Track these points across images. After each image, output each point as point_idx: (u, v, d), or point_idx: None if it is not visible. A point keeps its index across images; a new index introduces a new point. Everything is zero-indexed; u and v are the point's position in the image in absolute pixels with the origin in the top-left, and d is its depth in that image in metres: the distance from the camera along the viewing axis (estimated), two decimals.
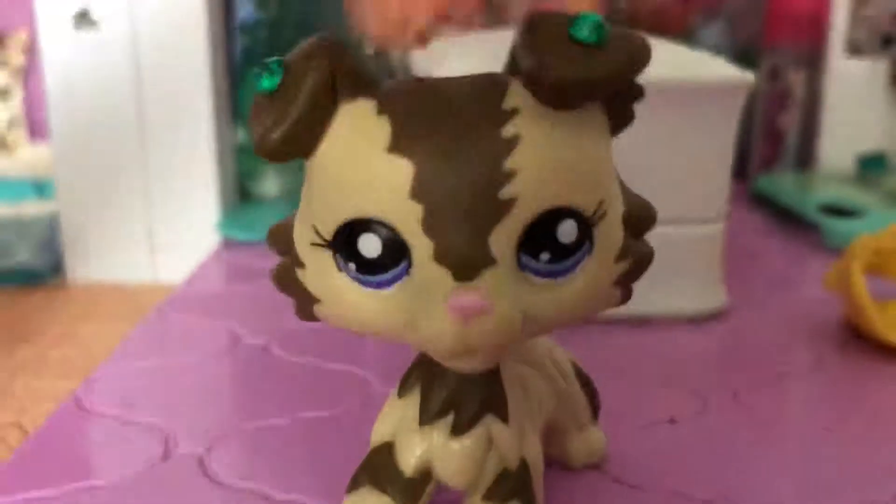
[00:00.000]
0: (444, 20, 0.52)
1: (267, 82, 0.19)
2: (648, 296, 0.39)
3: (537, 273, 0.19)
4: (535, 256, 0.19)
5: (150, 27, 0.54)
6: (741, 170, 0.65)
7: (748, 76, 0.38)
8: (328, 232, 0.19)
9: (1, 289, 0.58)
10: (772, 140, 0.64)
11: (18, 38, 0.79)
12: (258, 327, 0.39)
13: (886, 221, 0.48)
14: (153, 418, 0.31)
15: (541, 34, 0.18)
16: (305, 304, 0.21)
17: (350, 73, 0.19)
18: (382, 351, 0.37)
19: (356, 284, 0.19)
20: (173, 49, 0.54)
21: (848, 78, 0.63)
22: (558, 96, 0.19)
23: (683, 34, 0.60)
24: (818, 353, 0.38)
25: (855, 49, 0.63)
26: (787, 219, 0.57)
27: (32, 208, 0.74)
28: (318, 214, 0.20)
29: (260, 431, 0.30)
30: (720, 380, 0.35)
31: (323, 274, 0.20)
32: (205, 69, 0.53)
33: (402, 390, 0.22)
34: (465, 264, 0.18)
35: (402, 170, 0.18)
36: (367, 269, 0.19)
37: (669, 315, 0.40)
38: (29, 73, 0.78)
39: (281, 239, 0.21)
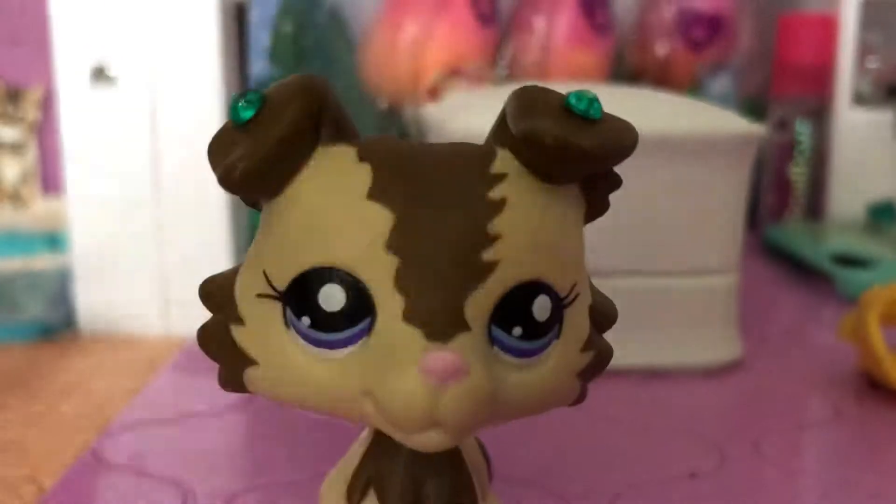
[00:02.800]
0: (456, 75, 0.53)
1: (243, 112, 0.18)
2: (664, 347, 0.39)
3: (506, 349, 0.18)
4: (507, 330, 0.17)
5: (167, 82, 0.55)
6: (752, 220, 0.65)
7: (758, 128, 0.39)
8: (283, 280, 0.17)
9: (13, 342, 0.58)
10: (781, 190, 0.64)
11: (35, 94, 0.81)
12: None
13: None
14: (171, 473, 0.31)
15: (536, 104, 0.18)
16: (236, 368, 0.18)
17: (333, 115, 0.18)
18: None
19: (305, 344, 0.17)
20: (189, 104, 0.54)
21: (855, 128, 0.63)
22: (549, 164, 0.18)
23: (691, 86, 0.61)
24: (835, 403, 0.37)
25: (861, 100, 0.63)
26: (799, 269, 0.57)
27: (45, 262, 0.74)
28: (275, 261, 0.18)
29: (278, 487, 0.30)
30: (739, 432, 0.34)
31: (266, 331, 0.18)
32: (219, 125, 0.53)
33: (353, 497, 0.20)
34: (440, 324, 0.16)
35: (380, 218, 0.17)
36: (324, 326, 0.17)
37: (685, 367, 0.40)
38: (44, 127, 0.79)
39: (216, 292, 0.19)
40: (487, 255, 0.17)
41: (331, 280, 0.17)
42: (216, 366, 0.19)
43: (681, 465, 0.31)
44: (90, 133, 0.56)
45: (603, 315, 0.20)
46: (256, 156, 0.17)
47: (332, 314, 0.17)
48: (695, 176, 0.38)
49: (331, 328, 0.17)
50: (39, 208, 0.81)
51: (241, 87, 0.57)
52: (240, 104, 0.18)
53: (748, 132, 0.39)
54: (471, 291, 0.17)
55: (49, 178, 0.83)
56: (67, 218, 0.59)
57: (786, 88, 0.63)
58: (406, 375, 0.16)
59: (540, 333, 0.18)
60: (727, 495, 0.29)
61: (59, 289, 0.65)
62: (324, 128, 0.18)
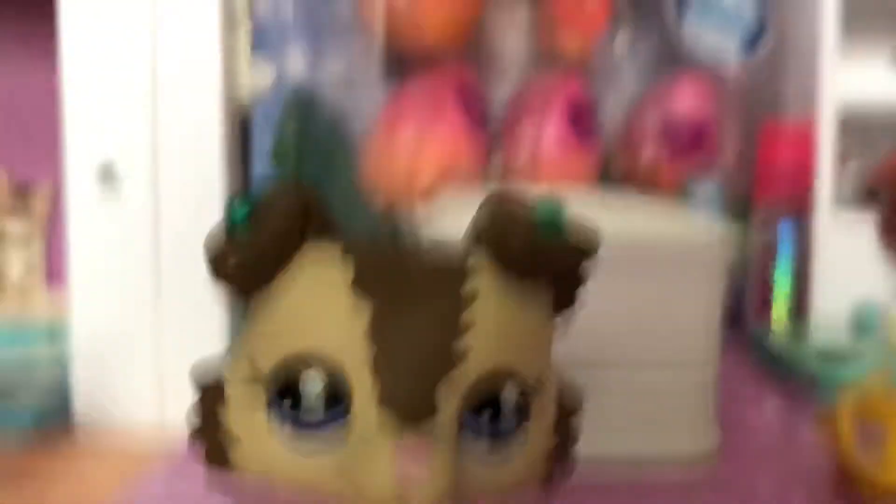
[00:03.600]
0: (448, 178, 0.55)
1: (238, 213, 0.19)
2: (641, 438, 0.40)
3: (477, 434, 0.19)
4: (477, 416, 0.19)
5: (171, 182, 0.57)
6: (738, 319, 0.67)
7: (728, 236, 0.41)
8: (268, 366, 0.19)
9: (9, 431, 0.58)
10: (766, 290, 0.66)
11: (44, 190, 0.83)
12: None
13: (879, 369, 0.49)
14: None
15: (506, 209, 0.20)
16: (221, 447, 0.20)
17: (321, 215, 0.20)
18: None
19: (285, 425, 0.19)
20: (191, 202, 0.56)
21: (836, 230, 0.65)
22: (517, 266, 0.20)
23: (677, 190, 0.63)
24: (813, 500, 0.38)
25: (841, 203, 0.65)
26: (783, 367, 0.58)
27: (43, 353, 0.75)
28: (260, 348, 0.19)
29: None
30: None
31: (249, 412, 0.19)
32: (220, 224, 0.55)
33: None
34: (412, 410, 0.18)
35: (360, 309, 0.18)
36: (303, 409, 0.18)
37: (661, 458, 0.41)
38: (50, 222, 0.81)
39: (206, 376, 0.20)
40: (459, 345, 0.18)
41: (311, 366, 0.18)
42: None
43: None
44: (95, 229, 0.58)
45: (569, 403, 0.21)
46: (248, 253, 0.19)
47: (312, 398, 0.18)
48: (669, 278, 0.40)
49: (310, 412, 0.18)
50: (42, 300, 0.83)
51: (244, 187, 0.59)
52: (234, 206, 0.20)
53: (719, 239, 0.41)
54: (442, 378, 0.18)
55: (53, 272, 0.85)
56: (68, 310, 0.60)
57: (769, 192, 0.65)
58: (378, 458, 0.17)
59: (508, 419, 0.19)
60: None
61: (57, 379, 0.66)
62: (310, 227, 0.20)
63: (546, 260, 0.20)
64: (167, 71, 0.57)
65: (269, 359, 0.19)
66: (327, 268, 0.19)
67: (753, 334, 0.63)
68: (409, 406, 0.18)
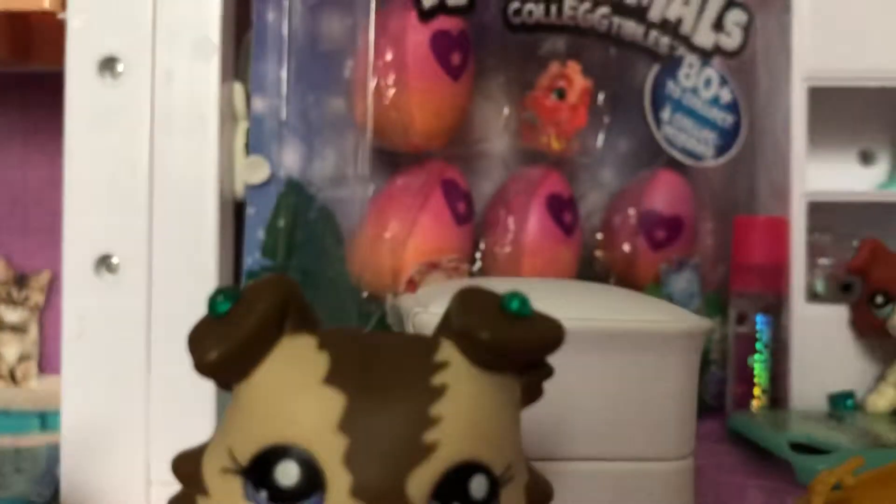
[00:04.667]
0: (433, 268, 0.57)
1: (221, 306, 0.20)
2: None
3: None
4: None
5: (165, 272, 0.58)
6: (720, 409, 0.68)
7: (703, 324, 0.42)
8: (245, 456, 0.19)
9: None
10: (745, 380, 0.67)
11: (41, 279, 0.85)
12: None
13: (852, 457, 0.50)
14: None
15: (475, 302, 0.21)
16: None
17: (299, 308, 0.20)
18: None
19: None
20: (185, 293, 0.58)
21: (811, 323, 0.67)
22: (486, 355, 0.20)
23: (654, 282, 0.65)
24: None
25: (815, 297, 0.67)
26: (762, 456, 0.59)
27: (34, 440, 0.75)
28: (238, 438, 0.20)
29: None
30: None
31: (229, 503, 0.20)
32: None
33: None
34: (380, 500, 0.18)
35: (333, 401, 0.19)
36: (279, 500, 0.19)
37: None
38: (46, 310, 0.83)
39: (187, 465, 0.21)
40: (428, 436, 0.19)
41: (287, 457, 0.19)
42: None
43: None
44: (90, 318, 0.59)
45: (538, 494, 0.22)
46: (228, 344, 0.20)
47: (287, 489, 0.19)
48: (645, 365, 0.41)
49: (286, 501, 0.19)
50: (34, 387, 0.83)
51: (236, 277, 0.61)
52: (217, 299, 0.20)
53: (694, 327, 0.42)
54: (412, 470, 0.18)
55: (46, 359, 0.86)
56: (60, 397, 0.61)
57: (743, 285, 0.67)
58: None
59: None
60: None
61: (47, 467, 0.66)
62: (289, 319, 0.20)
63: (513, 349, 0.20)
64: (166, 166, 0.59)
65: (245, 450, 0.19)
66: (303, 361, 0.20)
67: (732, 424, 0.64)
68: (380, 499, 0.18)
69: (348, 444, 0.18)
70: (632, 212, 0.66)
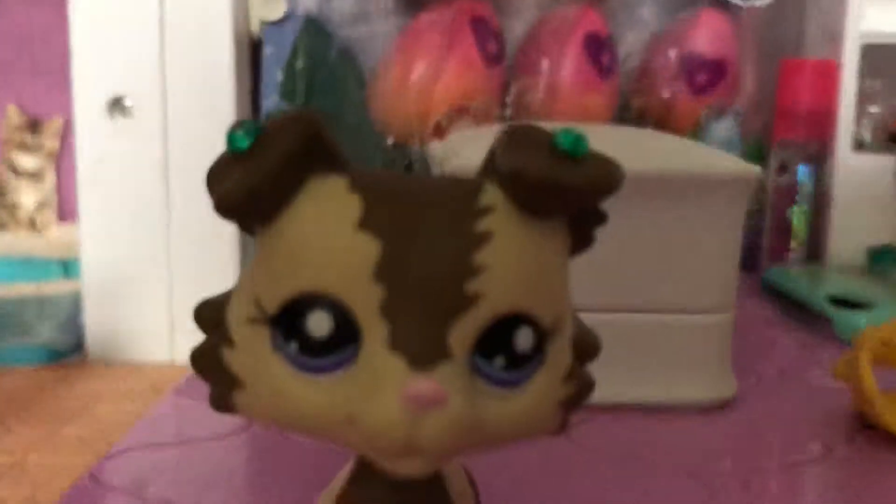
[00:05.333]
0: (462, 114, 0.54)
1: (240, 141, 0.18)
2: (657, 384, 0.40)
3: (488, 379, 0.18)
4: (490, 360, 0.18)
5: (181, 116, 0.56)
6: (752, 262, 0.66)
7: (754, 169, 0.40)
8: (273, 306, 0.18)
9: (23, 366, 0.59)
10: (781, 233, 0.65)
11: (54, 124, 0.82)
12: None
13: (895, 314, 0.48)
14: (167, 496, 0.31)
15: (524, 140, 0.19)
16: (225, 389, 0.19)
17: (326, 146, 0.18)
18: None
19: (292, 368, 0.18)
20: (201, 137, 0.56)
21: (855, 174, 0.64)
22: (535, 199, 0.18)
23: (694, 129, 0.62)
24: (828, 443, 0.38)
25: (861, 146, 0.64)
26: (798, 310, 0.58)
27: (56, 287, 0.75)
28: (266, 287, 0.18)
29: None
30: (729, 470, 0.35)
31: (255, 354, 0.18)
32: None
33: None
34: (423, 353, 0.17)
35: (368, 248, 0.17)
36: (311, 351, 0.18)
37: (678, 403, 0.40)
38: (62, 157, 0.81)
39: (210, 314, 0.20)
40: (471, 286, 0.17)
41: (318, 307, 0.17)
42: None
43: (669, 502, 0.32)
44: (105, 162, 0.57)
45: (586, 347, 0.20)
46: (250, 183, 0.18)
47: (319, 340, 0.17)
48: (691, 215, 0.39)
49: (317, 354, 0.18)
50: (54, 235, 0.83)
51: (252, 118, 0.59)
52: (236, 134, 0.18)
53: (745, 172, 0.40)
54: (454, 322, 0.17)
55: (65, 207, 0.85)
56: (79, 244, 0.60)
57: (787, 133, 0.64)
58: (387, 402, 0.17)
59: (522, 364, 0.18)
60: None
61: (70, 314, 0.66)
62: (316, 158, 0.18)
63: (566, 192, 0.18)
64: (177, 2, 0.56)
65: (274, 299, 0.18)
66: (334, 203, 0.18)
67: (768, 278, 0.62)
68: (420, 350, 0.17)
69: (385, 294, 0.17)
70: (672, 54, 0.62)
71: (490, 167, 0.19)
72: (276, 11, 0.57)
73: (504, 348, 0.18)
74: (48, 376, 0.59)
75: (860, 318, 0.51)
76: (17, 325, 0.68)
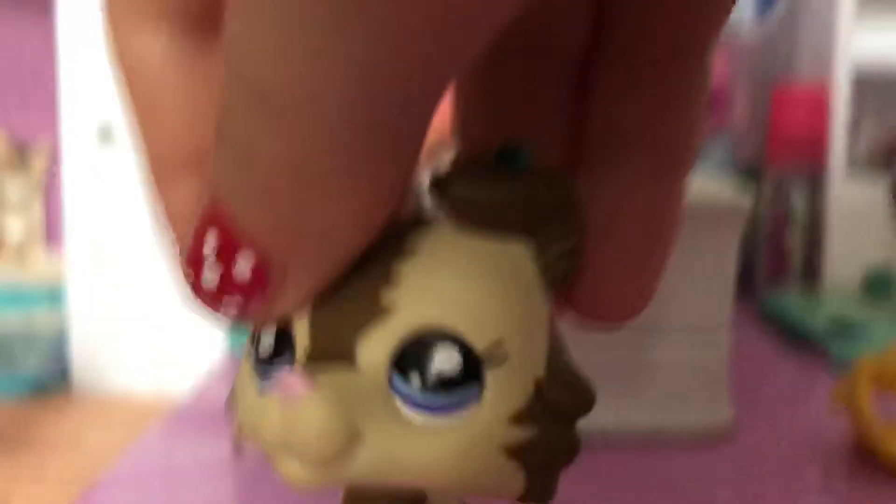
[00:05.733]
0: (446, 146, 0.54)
1: None
2: (653, 411, 0.39)
3: (407, 401, 0.17)
4: (406, 379, 0.17)
5: None
6: (749, 287, 0.66)
7: (745, 200, 0.39)
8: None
9: (8, 396, 0.58)
10: (778, 258, 0.65)
11: (42, 151, 0.82)
12: None
13: (894, 338, 0.48)
14: None
15: (465, 158, 0.18)
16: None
17: None
18: None
19: (256, 380, 0.18)
20: None
21: (849, 197, 0.64)
22: (472, 207, 0.17)
23: None
24: (827, 471, 0.37)
25: (854, 170, 0.64)
26: (795, 336, 0.57)
27: (43, 318, 0.75)
28: None
29: None
30: (728, 499, 0.34)
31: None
32: None
33: None
34: (319, 348, 0.17)
35: None
36: (260, 363, 0.18)
37: (674, 431, 0.40)
38: (50, 185, 0.81)
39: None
40: (386, 295, 0.16)
41: (265, 331, 0.18)
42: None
43: None
44: (93, 191, 0.57)
45: (562, 394, 0.18)
46: None
47: (266, 350, 0.18)
48: (683, 244, 0.38)
49: (266, 362, 0.18)
50: (41, 264, 0.82)
51: None
52: None
53: (736, 203, 0.39)
54: (364, 331, 0.16)
55: (52, 236, 0.84)
56: (66, 273, 0.59)
57: (780, 157, 0.64)
58: (253, 388, 0.17)
59: (445, 388, 0.17)
60: None
61: (56, 345, 0.65)
62: None
63: (503, 202, 0.17)
64: None
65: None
66: None
67: (765, 301, 0.62)
68: (330, 360, 0.16)
69: (313, 303, 0.17)
70: None
71: (432, 181, 0.18)
72: None
73: (421, 366, 0.17)
74: (33, 407, 0.58)
75: (858, 345, 0.50)
76: (2, 356, 0.67)
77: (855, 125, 0.64)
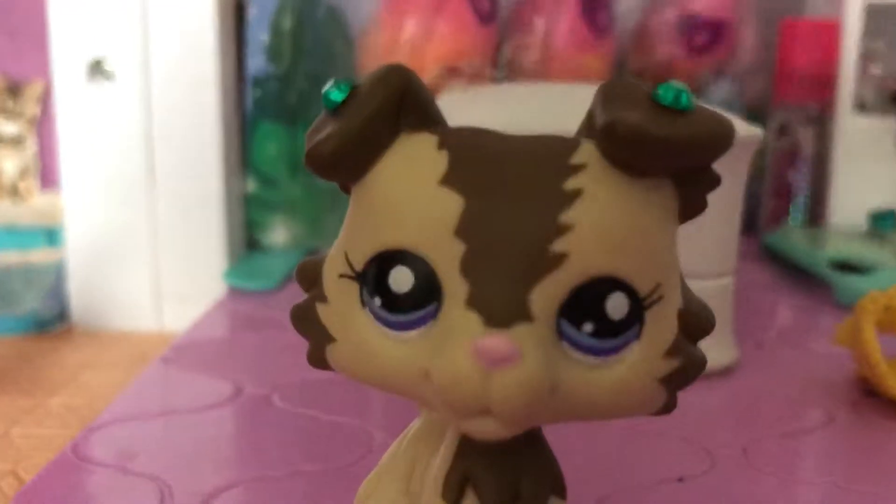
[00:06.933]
0: (454, 74, 0.53)
1: (334, 96, 0.18)
2: None
3: (576, 346, 0.17)
4: (577, 326, 0.17)
5: (164, 79, 0.55)
6: (751, 225, 0.65)
7: (756, 131, 0.38)
8: (359, 262, 0.18)
9: (7, 336, 0.57)
10: (781, 196, 0.64)
11: (34, 88, 0.80)
12: (261, 378, 0.39)
13: None
14: (151, 469, 0.30)
15: (622, 94, 0.18)
16: (320, 344, 0.19)
17: (418, 103, 0.18)
18: (385, 404, 0.36)
19: (376, 324, 0.18)
20: (185, 100, 0.54)
21: (856, 135, 0.63)
22: (631, 154, 0.17)
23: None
24: (829, 409, 0.37)
25: (862, 107, 0.63)
26: (798, 274, 0.57)
27: (41, 256, 0.74)
28: (353, 242, 0.19)
29: (258, 484, 0.30)
30: (730, 436, 0.34)
31: (345, 309, 0.19)
32: (215, 121, 0.53)
33: (449, 496, 0.19)
34: (499, 311, 0.17)
35: (450, 204, 0.17)
36: (393, 307, 0.18)
37: None
38: (43, 122, 0.79)
39: (309, 273, 0.20)
40: (557, 246, 0.17)
41: (401, 262, 0.18)
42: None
43: (669, 469, 0.31)
44: (86, 128, 0.56)
45: (697, 322, 0.19)
46: (338, 138, 0.18)
47: (401, 296, 0.18)
48: None
49: (399, 310, 0.18)
50: (37, 203, 0.81)
51: (238, 83, 0.57)
52: (330, 91, 0.19)
53: (746, 135, 0.38)
54: (537, 282, 0.17)
55: (47, 173, 0.83)
56: (63, 212, 0.59)
57: (787, 95, 0.62)
58: (458, 357, 0.16)
59: (614, 332, 0.17)
60: (715, 500, 0.29)
61: (55, 283, 0.65)
62: (407, 115, 0.18)
63: (664, 148, 0.17)
64: None
65: (361, 254, 0.18)
66: (421, 160, 0.18)
67: (768, 241, 0.61)
68: (497, 309, 0.16)
69: (466, 251, 0.17)
70: (670, 14, 0.60)
71: (588, 125, 0.18)
72: None
73: (593, 313, 0.17)
74: (33, 346, 0.58)
75: (861, 283, 0.50)
76: (1, 295, 0.67)
77: (864, 63, 0.63)
